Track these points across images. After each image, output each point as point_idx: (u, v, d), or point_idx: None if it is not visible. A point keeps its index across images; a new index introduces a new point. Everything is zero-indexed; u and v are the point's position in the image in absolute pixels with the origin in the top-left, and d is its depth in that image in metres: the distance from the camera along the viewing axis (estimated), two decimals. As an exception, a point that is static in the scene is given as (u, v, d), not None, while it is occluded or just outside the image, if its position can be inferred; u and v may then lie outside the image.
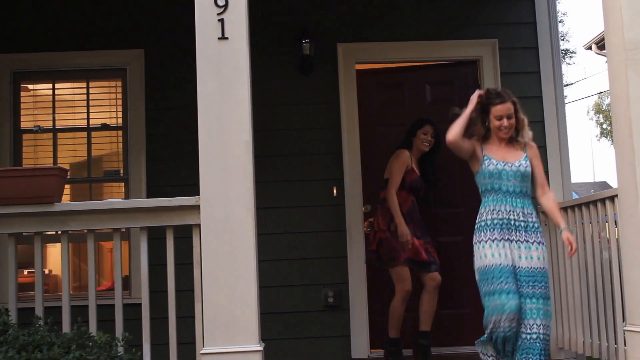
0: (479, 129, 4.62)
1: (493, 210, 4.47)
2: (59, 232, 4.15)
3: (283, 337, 5.89)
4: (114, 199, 4.28)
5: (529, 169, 4.54)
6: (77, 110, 6.24)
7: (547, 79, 6.23)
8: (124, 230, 4.32)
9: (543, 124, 6.17)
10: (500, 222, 4.43)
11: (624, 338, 4.45)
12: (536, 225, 4.49)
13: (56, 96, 6.25)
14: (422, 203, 5.95)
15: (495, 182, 4.50)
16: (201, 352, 3.89)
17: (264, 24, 6.17)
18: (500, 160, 4.51)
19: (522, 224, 4.44)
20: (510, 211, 4.45)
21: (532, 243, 4.43)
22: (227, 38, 4.08)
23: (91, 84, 6.23)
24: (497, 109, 4.53)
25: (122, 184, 6.11)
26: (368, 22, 6.31)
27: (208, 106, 4.03)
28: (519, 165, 4.52)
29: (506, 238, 4.40)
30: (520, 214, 4.45)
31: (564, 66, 22.42)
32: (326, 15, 6.28)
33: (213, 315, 3.90)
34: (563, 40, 22.53)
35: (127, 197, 5.96)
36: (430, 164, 5.93)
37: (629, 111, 4.18)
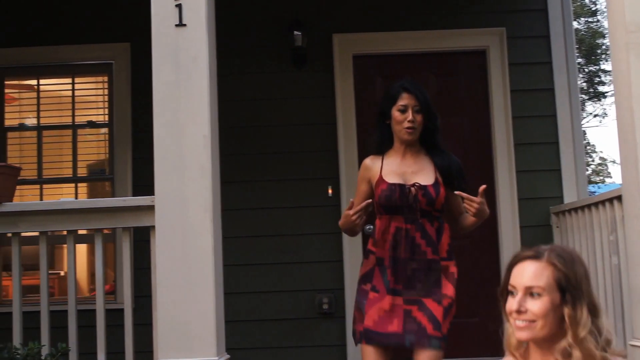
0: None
1: None
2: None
3: (274, 345, 5.58)
4: (67, 199, 4.03)
5: None
6: (62, 107, 6.01)
7: (559, 70, 5.79)
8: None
9: (555, 118, 5.75)
10: None
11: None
12: None
13: (41, 92, 6.03)
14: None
15: None
16: (154, 364, 3.61)
17: (253, 15, 5.90)
18: None
19: None
20: None
21: None
22: (185, 25, 3.78)
23: (77, 80, 5.99)
24: None
25: (108, 183, 5.86)
26: (366, 11, 5.93)
27: (164, 98, 3.75)
28: None
29: None
30: None
31: (602, 63, 21.71)
32: (321, 4, 5.93)
33: (167, 325, 3.60)
34: (603, 38, 21.71)
35: (113, 197, 5.70)
36: (439, 154, 3.63)
37: (630, 100, 3.75)
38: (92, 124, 5.99)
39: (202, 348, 3.59)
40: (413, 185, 3.50)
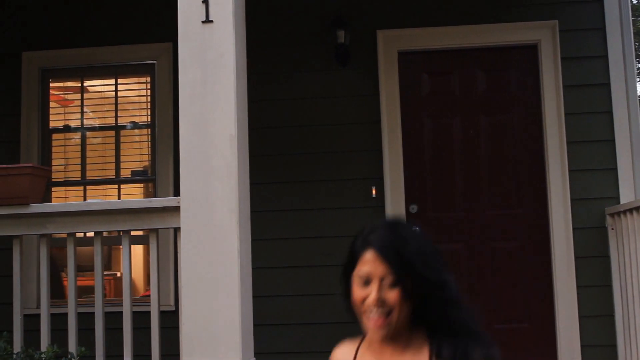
0: None
1: None
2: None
3: (324, 349, 5.42)
4: (93, 200, 3.97)
5: None
6: (106, 108, 6.01)
7: (615, 64, 5.49)
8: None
9: (611, 114, 5.46)
10: None
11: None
12: None
13: (85, 94, 6.04)
14: None
15: None
16: (177, 368, 3.53)
17: (295, 11, 5.79)
18: None
19: None
20: None
21: None
22: (211, 21, 3.67)
23: (120, 81, 5.97)
24: None
25: (151, 184, 5.83)
26: (411, 6, 5.74)
27: (190, 97, 3.65)
28: None
29: None
30: None
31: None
32: (364, -1, 5.78)
33: (192, 328, 3.51)
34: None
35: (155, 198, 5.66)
36: (448, 339, 1.85)
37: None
38: (135, 125, 5.97)
39: (227, 352, 3.49)
40: None
